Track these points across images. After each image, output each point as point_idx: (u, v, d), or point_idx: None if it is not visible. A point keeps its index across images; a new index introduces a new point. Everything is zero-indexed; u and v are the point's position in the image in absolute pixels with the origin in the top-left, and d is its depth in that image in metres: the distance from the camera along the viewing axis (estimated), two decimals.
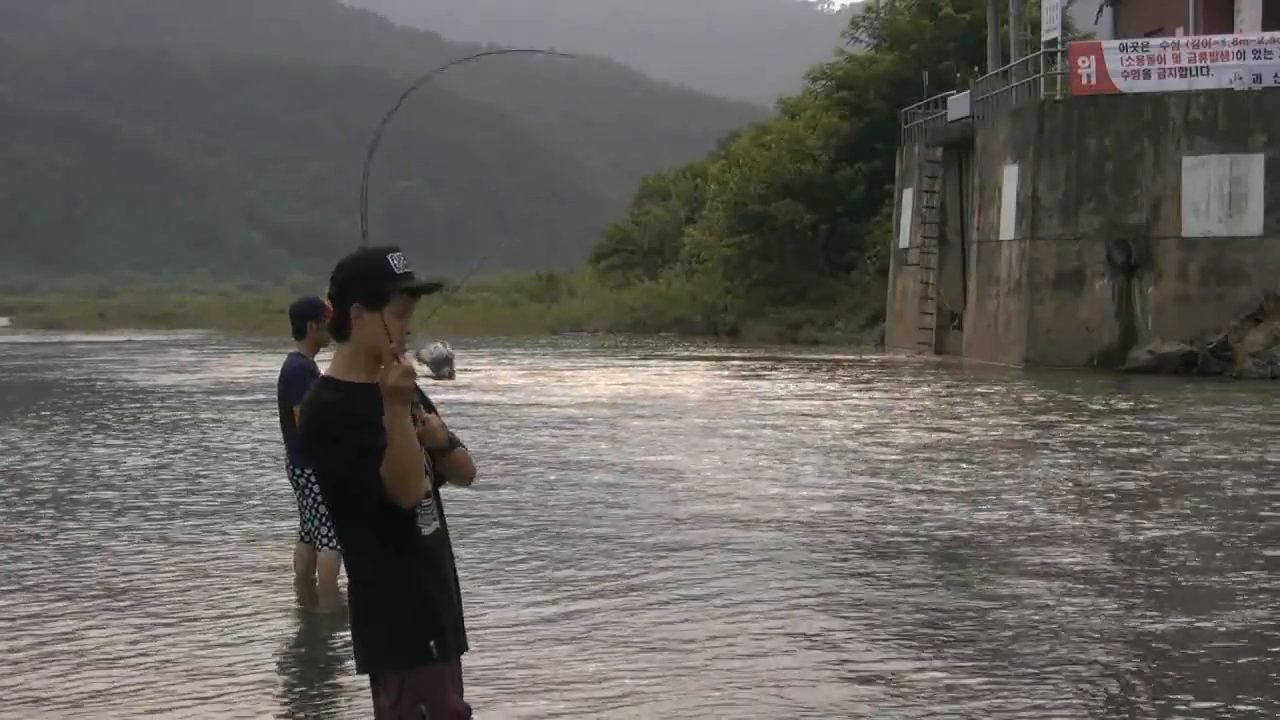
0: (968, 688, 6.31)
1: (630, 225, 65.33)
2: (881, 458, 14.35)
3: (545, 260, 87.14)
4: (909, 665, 6.71)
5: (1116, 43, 29.72)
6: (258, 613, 7.77)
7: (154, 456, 14.69)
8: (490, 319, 51.35)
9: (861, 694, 6.26)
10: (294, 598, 8.08)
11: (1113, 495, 11.85)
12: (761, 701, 6.14)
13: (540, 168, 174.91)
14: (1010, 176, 29.25)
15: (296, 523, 8.34)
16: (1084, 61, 27.90)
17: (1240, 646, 7.04)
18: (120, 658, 6.85)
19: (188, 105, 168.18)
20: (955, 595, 8.17)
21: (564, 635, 7.21)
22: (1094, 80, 27.75)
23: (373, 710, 3.68)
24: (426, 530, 3.61)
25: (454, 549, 3.80)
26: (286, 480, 8.31)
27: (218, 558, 9.25)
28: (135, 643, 7.12)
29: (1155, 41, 28.67)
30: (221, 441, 15.95)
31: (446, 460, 3.66)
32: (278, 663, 6.93)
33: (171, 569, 8.93)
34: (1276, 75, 26.96)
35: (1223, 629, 7.39)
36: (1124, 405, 19.91)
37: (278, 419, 7.98)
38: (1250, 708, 6.04)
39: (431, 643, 3.57)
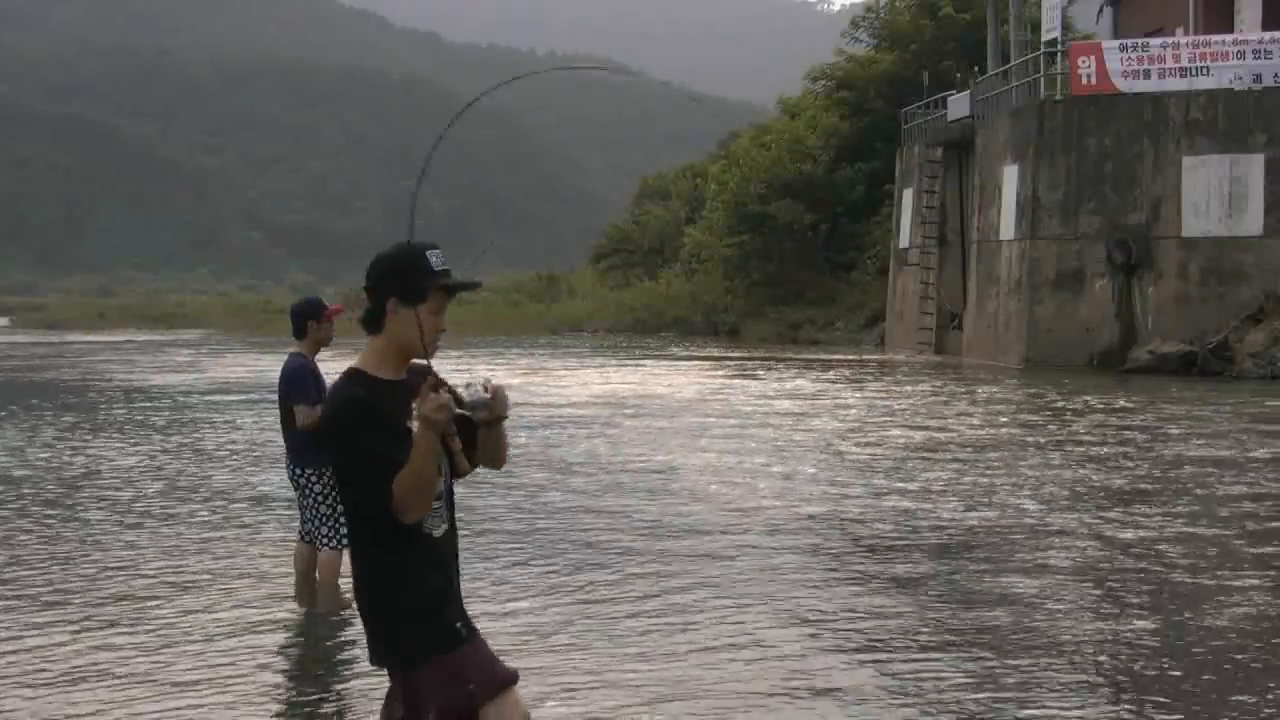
0: (963, 686, 6.31)
1: (630, 225, 65.34)
2: (876, 457, 14.35)
3: (545, 260, 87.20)
4: (907, 664, 6.71)
5: (1116, 43, 29.72)
6: (257, 613, 7.76)
7: (148, 456, 14.68)
8: (490, 319, 51.33)
9: (858, 692, 6.25)
10: (294, 598, 8.08)
11: (1104, 494, 11.86)
12: (759, 700, 6.13)
13: (540, 167, 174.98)
14: (1010, 176, 29.26)
15: (296, 522, 8.34)
16: (1084, 61, 27.91)
17: (1232, 644, 7.04)
18: (119, 658, 6.84)
19: (188, 105, 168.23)
20: (950, 594, 8.17)
21: (554, 636, 7.21)
22: (1094, 80, 27.75)
23: (380, 706, 3.69)
24: (436, 533, 3.61)
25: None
26: (284, 480, 8.31)
27: (217, 557, 9.25)
28: (133, 643, 7.11)
29: (1155, 41, 28.67)
30: (218, 441, 15.94)
31: (490, 436, 3.61)
32: (277, 663, 6.92)
33: (171, 568, 8.92)
34: (1276, 75, 26.97)
35: (1213, 626, 7.40)
36: (1120, 405, 19.90)
37: (274, 419, 7.98)
38: (1243, 700, 6.04)
39: (458, 624, 3.59)
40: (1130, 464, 13.77)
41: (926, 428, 17.18)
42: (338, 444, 3.52)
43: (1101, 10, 39.06)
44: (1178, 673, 6.59)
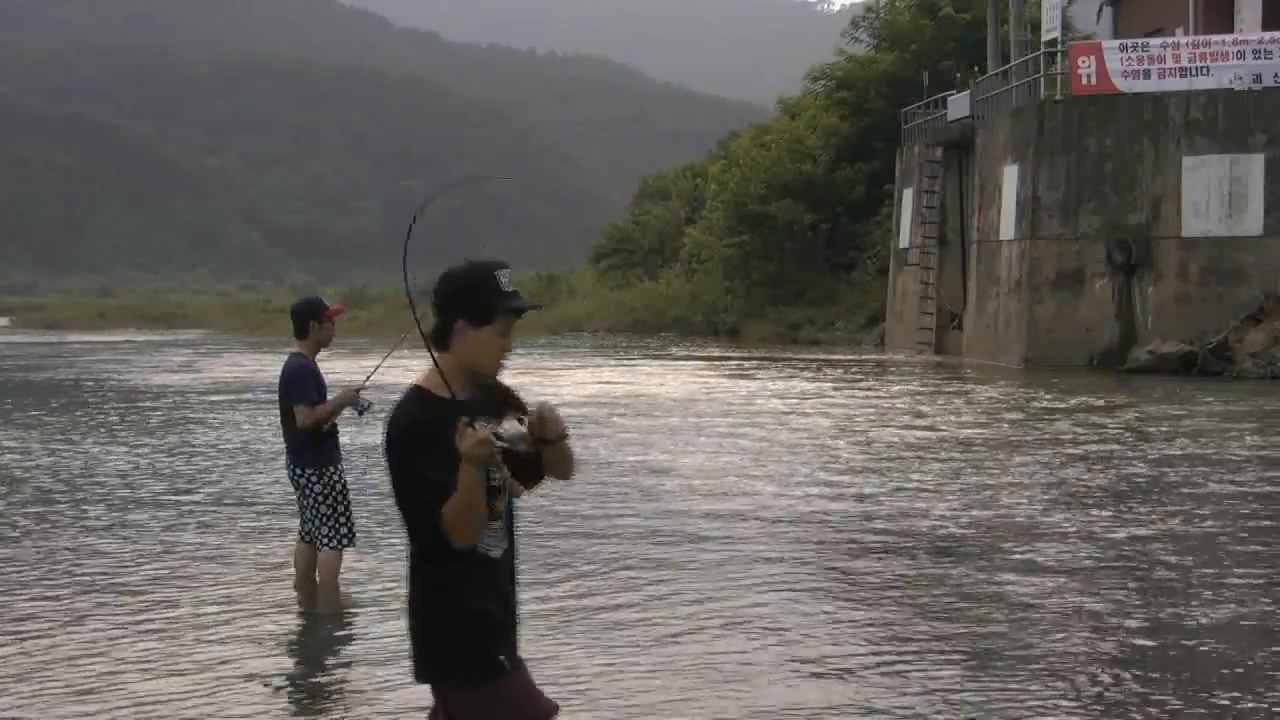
0: (958, 685, 6.31)
1: (630, 225, 65.33)
2: (870, 456, 14.36)
3: (545, 260, 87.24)
4: (900, 663, 6.71)
5: (1116, 43, 29.72)
6: (257, 613, 7.76)
7: (146, 456, 14.67)
8: None
9: (853, 692, 6.25)
10: (294, 598, 8.08)
11: (1097, 493, 11.88)
12: (754, 700, 6.13)
13: (540, 168, 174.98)
14: (1010, 176, 29.26)
15: (296, 523, 8.34)
16: (1084, 61, 27.91)
17: (1224, 642, 7.05)
18: (117, 658, 6.84)
19: (188, 105, 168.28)
20: (942, 593, 8.18)
21: (557, 632, 7.21)
22: (1094, 80, 27.75)
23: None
24: (494, 554, 3.57)
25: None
26: (283, 480, 8.31)
27: (216, 557, 9.25)
28: (132, 643, 7.11)
29: (1155, 41, 28.67)
30: (216, 441, 15.94)
31: (554, 452, 3.57)
32: (277, 663, 6.92)
33: (169, 568, 8.92)
34: (1276, 75, 26.97)
35: (1206, 625, 7.42)
36: (1116, 405, 19.91)
37: (271, 419, 7.98)
38: (1241, 695, 6.04)
39: (501, 656, 3.54)
40: (1122, 463, 13.78)
41: (921, 427, 17.18)
42: (393, 462, 3.52)
43: (1101, 10, 39.06)
44: (1172, 670, 6.60)
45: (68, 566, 9.03)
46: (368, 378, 8.13)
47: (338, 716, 6.09)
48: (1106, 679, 6.45)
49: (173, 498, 11.85)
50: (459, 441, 3.31)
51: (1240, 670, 6.64)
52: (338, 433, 7.91)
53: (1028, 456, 14.30)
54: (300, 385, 7.67)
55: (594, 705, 6.08)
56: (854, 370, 28.55)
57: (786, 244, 45.79)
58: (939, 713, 5.97)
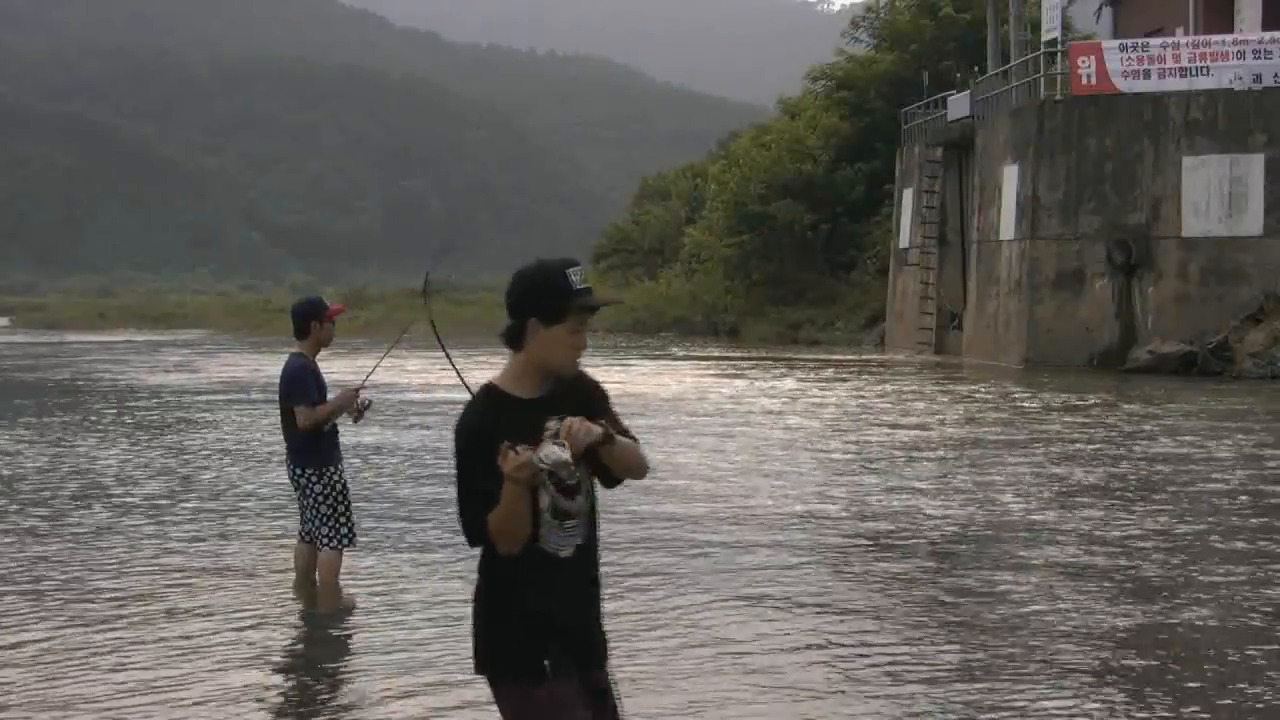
0: (952, 683, 6.31)
1: (630, 225, 65.36)
2: (864, 455, 14.38)
3: None
4: (894, 662, 6.71)
5: (1116, 43, 29.73)
6: (257, 613, 7.76)
7: (144, 456, 14.67)
8: (491, 319, 51.33)
9: (848, 692, 6.26)
10: (294, 598, 8.08)
11: (1090, 491, 11.92)
12: (750, 699, 6.14)
13: (540, 168, 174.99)
14: (1010, 176, 29.26)
15: (294, 523, 8.34)
16: (1084, 61, 27.91)
17: (1216, 639, 7.06)
18: (116, 659, 6.84)
19: (188, 105, 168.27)
20: (936, 591, 8.20)
21: None
22: (1094, 80, 27.75)
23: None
24: (563, 553, 3.56)
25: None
26: (281, 480, 8.30)
27: (216, 557, 9.24)
28: (131, 644, 7.11)
29: (1155, 41, 28.68)
30: (215, 441, 15.93)
31: (610, 455, 3.55)
32: (277, 663, 6.92)
33: (169, 568, 8.91)
34: (1276, 75, 26.97)
35: (1199, 622, 7.44)
36: (1112, 404, 19.93)
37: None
38: (1240, 689, 6.05)
39: (546, 662, 3.53)
40: (1115, 462, 13.82)
41: (917, 426, 17.21)
42: (455, 457, 3.56)
43: (1100, 10, 39.06)
44: (1166, 668, 6.61)
45: (64, 566, 9.02)
46: (366, 377, 8.14)
47: (337, 717, 6.08)
48: (1100, 677, 6.46)
49: (170, 498, 11.84)
50: (500, 463, 3.34)
51: (1232, 667, 6.65)
52: (338, 433, 7.91)
53: (1023, 456, 14.33)
54: (301, 386, 7.67)
55: None
56: (853, 370, 28.55)
57: (786, 244, 45.80)
58: (933, 709, 5.98)
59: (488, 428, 3.47)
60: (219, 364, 31.83)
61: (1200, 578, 8.57)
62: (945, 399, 21.40)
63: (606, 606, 3.74)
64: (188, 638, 7.21)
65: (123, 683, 6.44)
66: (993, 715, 5.94)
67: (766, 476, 12.89)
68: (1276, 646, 7.04)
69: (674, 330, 46.63)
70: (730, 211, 47.29)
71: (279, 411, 7.92)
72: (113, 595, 8.19)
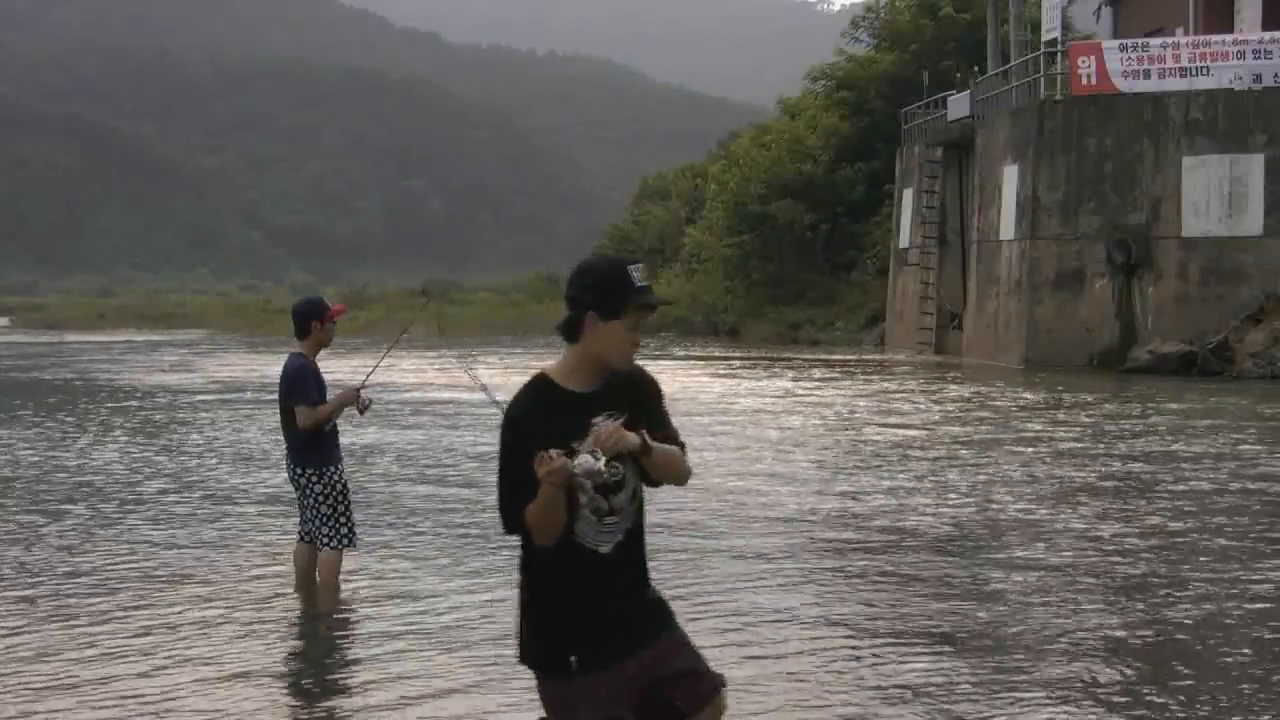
0: (947, 682, 6.31)
1: (630, 225, 65.37)
2: (860, 454, 14.40)
3: (545, 260, 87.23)
4: (888, 661, 6.71)
5: (1116, 43, 29.73)
6: (256, 614, 7.75)
7: (140, 455, 14.66)
8: (491, 319, 51.37)
9: (846, 690, 6.26)
10: (294, 597, 8.08)
11: (1084, 490, 11.95)
12: (743, 699, 6.14)
13: (541, 168, 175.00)
14: (1010, 176, 29.26)
15: (290, 523, 8.34)
16: (1084, 61, 27.91)
17: (1209, 636, 7.09)
18: (116, 659, 6.84)
19: (188, 105, 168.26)
20: (931, 590, 8.20)
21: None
22: (1094, 80, 27.75)
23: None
24: (603, 548, 3.58)
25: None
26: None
27: (215, 557, 9.24)
28: (131, 644, 7.10)
29: (1155, 41, 28.68)
30: (211, 440, 15.93)
31: (650, 462, 3.59)
32: (277, 663, 6.91)
33: (168, 568, 8.91)
34: (1276, 75, 26.97)
35: (1191, 620, 7.46)
36: (1108, 404, 19.94)
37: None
38: (1240, 688, 6.06)
39: (572, 657, 3.56)
40: (1108, 461, 13.85)
41: (913, 425, 17.23)
42: (500, 444, 3.59)
43: (1099, 10, 39.06)
44: (1159, 666, 6.62)
45: (62, 566, 9.01)
46: (367, 377, 8.14)
47: (337, 717, 6.08)
48: (1094, 675, 6.47)
49: (168, 496, 11.84)
50: (536, 467, 3.37)
51: (1224, 665, 6.67)
52: (338, 433, 7.91)
53: (1019, 455, 14.35)
54: (301, 386, 7.66)
55: None
56: (851, 370, 28.55)
57: (786, 244, 45.80)
58: (929, 708, 5.98)
59: (535, 419, 3.51)
60: (219, 364, 31.82)
61: (1192, 576, 8.60)
62: (943, 399, 21.39)
63: None
64: (184, 637, 7.21)
65: (121, 683, 6.43)
66: (986, 714, 5.94)
67: (759, 476, 12.90)
68: (1268, 643, 7.06)
69: (674, 330, 46.62)
70: (730, 211, 47.29)
71: (279, 411, 7.92)
72: (108, 595, 8.18)
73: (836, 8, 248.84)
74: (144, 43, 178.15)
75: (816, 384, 24.68)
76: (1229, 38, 28.09)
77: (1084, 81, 27.80)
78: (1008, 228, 29.29)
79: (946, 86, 35.89)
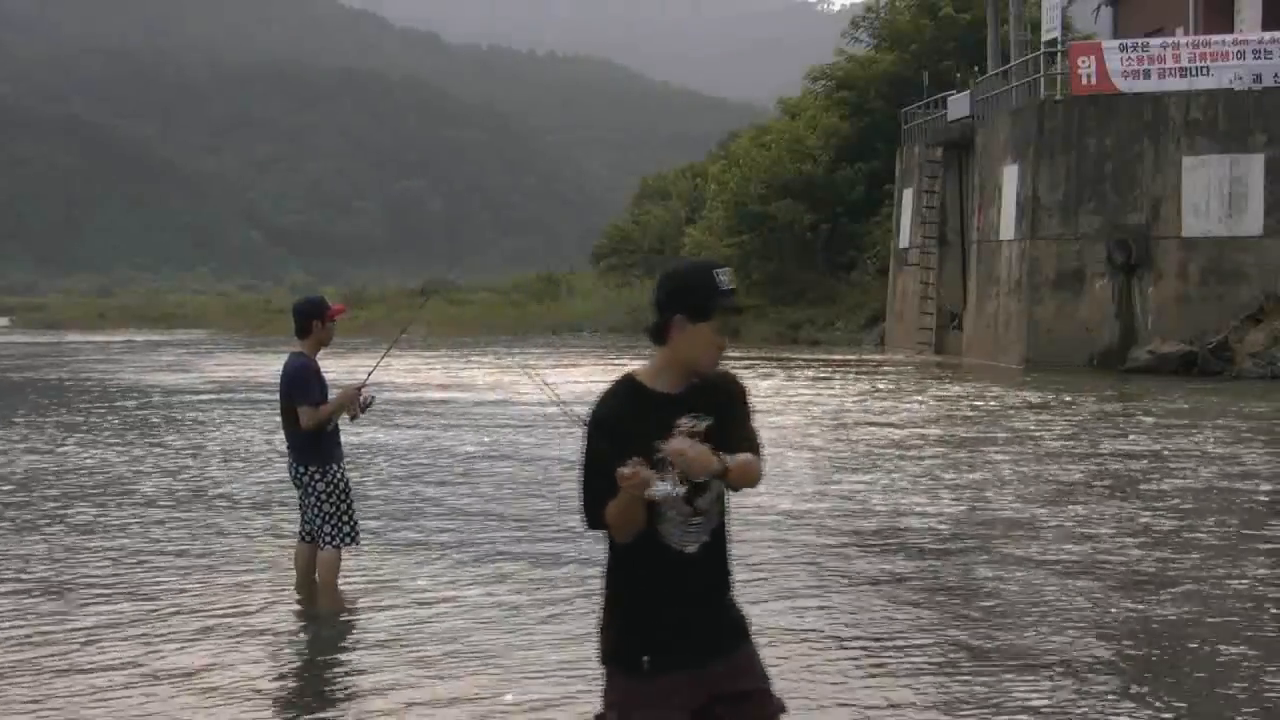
0: (945, 680, 6.32)
1: (631, 225, 65.38)
2: (855, 454, 14.41)
3: (546, 260, 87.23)
4: (890, 660, 6.71)
5: (1116, 43, 29.73)
6: (257, 612, 7.75)
7: (136, 455, 14.65)
8: (490, 319, 51.37)
9: (845, 690, 6.26)
10: (294, 597, 8.07)
11: (1078, 489, 11.98)
12: None
13: (540, 168, 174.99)
14: (1010, 176, 29.26)
15: (290, 522, 8.33)
16: (1084, 61, 27.91)
17: (1203, 633, 7.09)
18: (116, 659, 6.84)
19: (187, 106, 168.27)
20: (925, 589, 8.22)
21: (558, 632, 7.22)
22: (1094, 80, 27.75)
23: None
24: (689, 549, 3.60)
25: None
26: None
27: (215, 556, 9.23)
28: (131, 644, 7.10)
29: (1155, 41, 28.68)
30: (209, 440, 15.91)
31: (726, 477, 3.61)
32: (277, 663, 6.91)
33: (168, 568, 8.91)
34: (1276, 75, 26.97)
35: (1183, 618, 7.47)
36: (1106, 404, 19.94)
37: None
38: (1235, 686, 6.06)
39: (645, 657, 3.58)
40: (1103, 460, 13.87)
41: (910, 425, 17.24)
42: (584, 440, 3.61)
43: (1099, 10, 39.07)
44: (1155, 664, 6.64)
45: (60, 566, 9.01)
46: (368, 376, 8.14)
47: (336, 716, 6.08)
48: (1086, 671, 6.48)
49: (167, 496, 11.84)
50: (617, 475, 3.41)
51: (1219, 663, 6.68)
52: (339, 431, 7.92)
53: (1015, 454, 14.38)
54: (303, 386, 7.66)
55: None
56: (851, 370, 28.54)
57: (786, 244, 45.80)
58: (922, 706, 5.98)
59: (622, 419, 3.55)
60: (217, 364, 31.81)
61: (1183, 572, 8.64)
62: (942, 399, 21.39)
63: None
64: (184, 637, 7.20)
65: (118, 683, 6.43)
66: (979, 710, 5.94)
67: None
68: (1256, 640, 7.06)
69: None
70: (730, 211, 47.29)
71: (279, 411, 7.92)
72: (104, 596, 8.18)
73: (836, 8, 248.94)
74: (144, 43, 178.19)
75: (814, 383, 24.67)
76: (1229, 38, 28.09)
77: (1084, 81, 27.80)
78: (1008, 228, 29.29)
79: (946, 86, 35.89)
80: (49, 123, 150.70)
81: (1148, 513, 10.84)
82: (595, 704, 5.78)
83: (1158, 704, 6.07)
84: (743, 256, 46.82)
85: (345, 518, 7.83)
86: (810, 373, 27.58)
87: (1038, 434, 16.27)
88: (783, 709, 3.71)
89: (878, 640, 7.12)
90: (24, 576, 8.70)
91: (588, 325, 49.36)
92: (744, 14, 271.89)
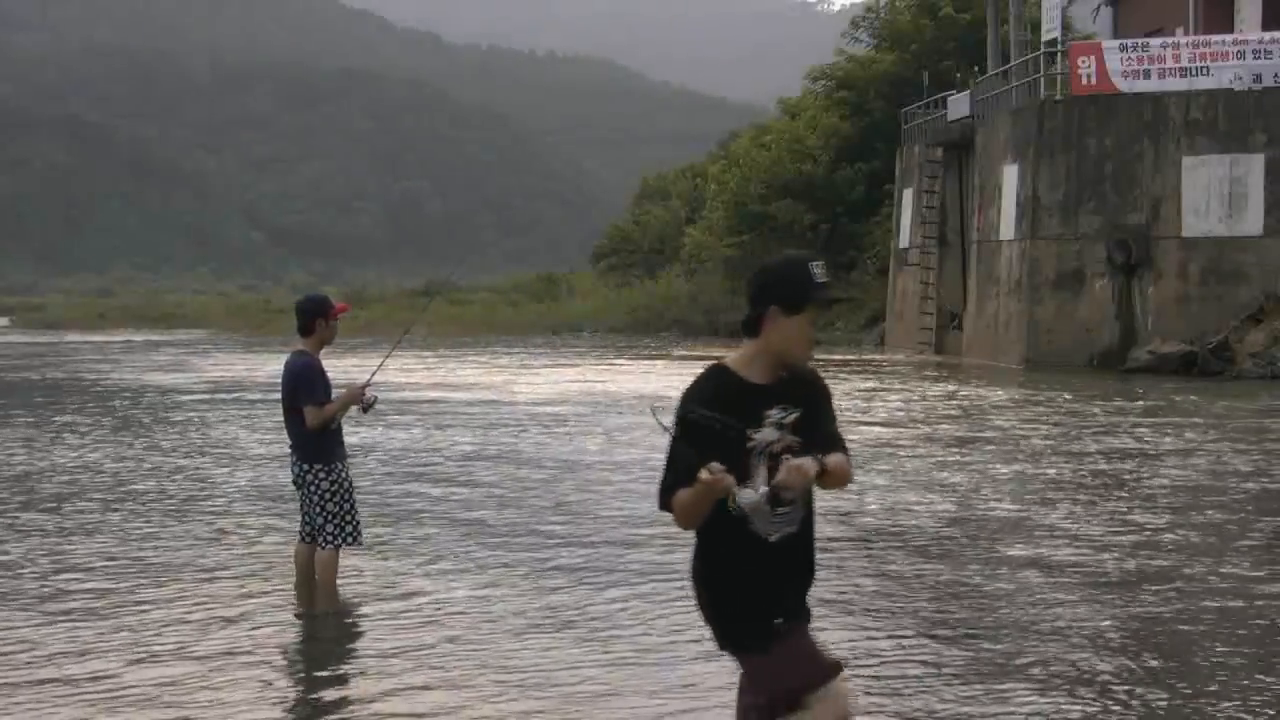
0: (942, 680, 6.32)
1: (631, 225, 65.37)
2: (852, 453, 14.35)
3: (546, 260, 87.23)
4: (884, 658, 6.72)
5: (1116, 43, 29.73)
6: (257, 612, 7.75)
7: (134, 454, 14.65)
8: (490, 319, 51.35)
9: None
10: (294, 597, 8.08)
11: (1074, 489, 12.00)
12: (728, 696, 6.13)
13: (540, 168, 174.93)
14: (1010, 176, 29.27)
15: (287, 521, 8.33)
16: (1084, 61, 27.92)
17: (1199, 633, 7.10)
18: (116, 659, 6.84)
19: (187, 106, 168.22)
20: (922, 588, 8.23)
21: (550, 631, 7.22)
22: (1094, 80, 27.76)
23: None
24: (774, 536, 3.73)
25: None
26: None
27: (215, 556, 9.24)
28: (131, 644, 7.10)
29: (1155, 41, 28.68)
30: (208, 440, 15.91)
31: (822, 479, 3.75)
32: (276, 663, 6.91)
33: (168, 567, 8.91)
34: (1276, 75, 26.98)
35: (1188, 618, 7.48)
36: (1104, 404, 19.95)
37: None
38: (1208, 683, 6.07)
39: (776, 620, 3.77)
40: (1097, 459, 13.89)
41: (908, 424, 17.25)
42: (674, 423, 3.70)
43: (1098, 10, 39.07)
44: (1152, 664, 6.64)
45: (60, 565, 9.01)
46: (372, 375, 8.15)
47: (335, 717, 6.08)
48: (1079, 668, 6.49)
49: (166, 495, 11.83)
50: (700, 474, 3.51)
51: (1203, 657, 6.70)
52: (342, 429, 7.92)
53: (1009, 453, 14.38)
54: (308, 385, 7.65)
55: (594, 702, 6.08)
56: (850, 370, 28.53)
57: (787, 244, 45.68)
58: (917, 705, 5.98)
59: (712, 406, 3.65)
60: (216, 364, 31.79)
61: (1172, 572, 8.65)
62: (940, 398, 21.40)
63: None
64: (185, 637, 7.20)
65: (117, 683, 6.43)
66: (976, 710, 5.95)
67: None
68: (1244, 637, 7.07)
69: (675, 330, 46.61)
70: (730, 211, 47.30)
71: (281, 410, 7.92)
72: (101, 596, 8.18)
73: (836, 8, 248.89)
74: (144, 43, 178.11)
75: None
76: (1229, 38, 28.10)
77: (1084, 81, 27.80)
78: (1008, 228, 29.30)
79: (946, 86, 35.89)
80: (49, 123, 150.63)
81: (1141, 511, 10.86)
82: (596, 708, 5.80)
83: (1151, 703, 6.07)
84: (743, 256, 46.79)
85: (348, 518, 7.83)
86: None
87: (1037, 433, 16.27)
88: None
89: (870, 638, 7.12)
90: (17, 577, 8.70)
91: (588, 325, 49.34)
92: (744, 14, 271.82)
